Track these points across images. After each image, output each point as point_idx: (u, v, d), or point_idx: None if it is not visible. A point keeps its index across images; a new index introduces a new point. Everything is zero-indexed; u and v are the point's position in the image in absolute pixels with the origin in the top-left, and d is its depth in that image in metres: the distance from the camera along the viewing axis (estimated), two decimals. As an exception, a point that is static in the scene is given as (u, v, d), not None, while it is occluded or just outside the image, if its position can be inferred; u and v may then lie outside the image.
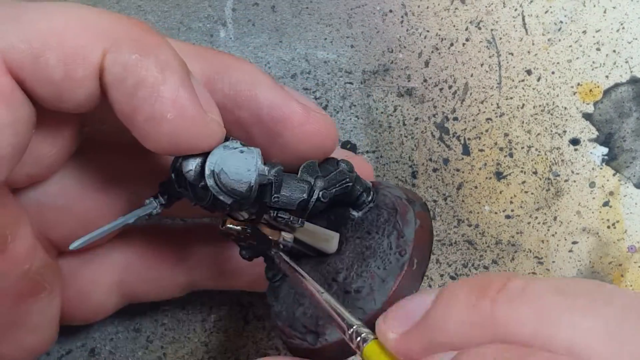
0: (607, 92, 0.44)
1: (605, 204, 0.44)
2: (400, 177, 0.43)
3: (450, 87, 0.44)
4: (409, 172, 0.43)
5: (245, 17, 0.43)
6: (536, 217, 0.43)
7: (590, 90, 0.44)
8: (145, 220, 0.32)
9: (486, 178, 0.43)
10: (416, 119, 0.43)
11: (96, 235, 0.31)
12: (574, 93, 0.44)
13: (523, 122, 0.44)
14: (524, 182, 0.43)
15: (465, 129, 0.43)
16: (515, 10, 0.44)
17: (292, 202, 0.31)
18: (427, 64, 0.44)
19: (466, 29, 0.44)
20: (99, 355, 0.42)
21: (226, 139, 0.30)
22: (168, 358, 0.42)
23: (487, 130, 0.44)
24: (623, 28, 0.44)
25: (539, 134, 0.44)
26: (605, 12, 0.44)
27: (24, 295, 0.32)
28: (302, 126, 0.32)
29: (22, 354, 0.34)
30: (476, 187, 0.43)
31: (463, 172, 0.43)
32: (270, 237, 0.32)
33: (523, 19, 0.44)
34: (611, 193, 0.44)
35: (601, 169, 0.44)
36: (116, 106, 0.29)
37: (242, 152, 0.30)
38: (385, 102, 0.43)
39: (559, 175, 0.44)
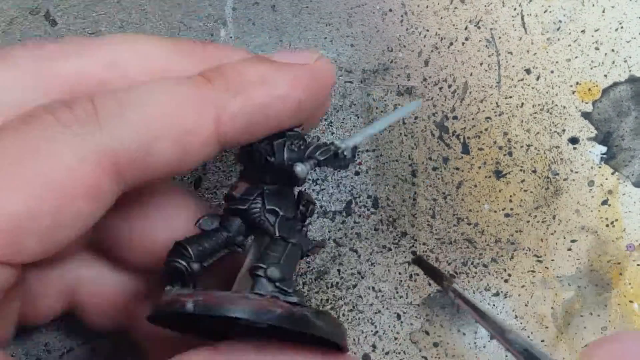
0: (605, 91, 0.44)
1: (604, 202, 0.44)
2: (400, 176, 0.43)
3: (449, 86, 0.44)
4: (409, 170, 0.43)
5: (245, 17, 0.43)
6: (535, 216, 0.44)
7: (589, 89, 0.44)
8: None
9: (485, 177, 0.44)
10: (416, 117, 0.43)
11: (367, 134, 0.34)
12: (573, 92, 0.44)
13: (522, 121, 0.44)
14: (523, 180, 0.44)
15: (465, 127, 0.44)
16: (515, 9, 0.44)
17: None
18: (426, 63, 0.44)
19: (465, 28, 0.44)
20: (100, 353, 0.42)
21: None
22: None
23: (486, 129, 0.44)
24: (622, 27, 0.44)
25: (538, 133, 0.44)
26: (604, 11, 0.44)
27: None
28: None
29: None
30: (476, 186, 0.43)
31: (462, 171, 0.43)
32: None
33: (522, 19, 0.44)
34: (610, 192, 0.44)
35: (600, 167, 0.44)
36: (257, 136, 0.31)
37: None
38: (385, 101, 0.43)
39: (558, 174, 0.44)
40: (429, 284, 0.43)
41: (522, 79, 0.44)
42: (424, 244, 0.43)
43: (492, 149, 0.44)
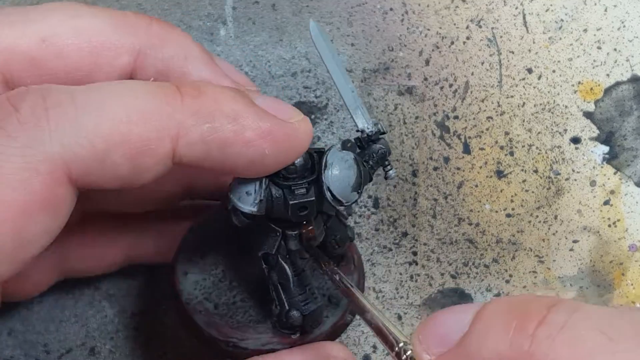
0: (608, 91, 0.44)
1: (606, 202, 0.44)
2: (401, 176, 0.43)
3: (450, 85, 0.43)
4: (410, 170, 0.43)
5: (245, 16, 0.43)
6: (537, 216, 0.43)
7: (591, 89, 0.44)
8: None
9: (487, 176, 0.43)
10: (417, 117, 0.43)
11: None
12: (575, 91, 0.44)
13: (524, 121, 0.44)
14: (524, 180, 0.43)
15: (466, 127, 0.43)
16: (516, 8, 0.44)
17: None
18: (427, 62, 0.43)
19: (467, 28, 0.44)
20: (99, 354, 0.41)
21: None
22: (168, 356, 0.42)
23: (487, 129, 0.43)
24: (624, 26, 0.44)
25: (539, 133, 0.44)
26: (606, 10, 0.44)
27: None
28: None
29: None
30: (477, 186, 0.43)
31: (464, 171, 0.43)
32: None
33: (524, 17, 0.44)
34: (612, 192, 0.44)
35: (602, 167, 0.44)
36: (207, 171, 0.30)
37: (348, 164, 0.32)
38: (385, 100, 0.43)
39: (559, 174, 0.44)
40: (430, 285, 0.43)
41: (523, 79, 0.44)
42: (424, 244, 0.43)
43: (493, 148, 0.43)
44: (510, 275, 0.43)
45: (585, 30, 0.44)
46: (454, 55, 0.43)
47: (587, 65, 0.44)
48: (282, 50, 0.43)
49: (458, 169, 0.43)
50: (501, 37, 0.44)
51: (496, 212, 0.43)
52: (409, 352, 0.27)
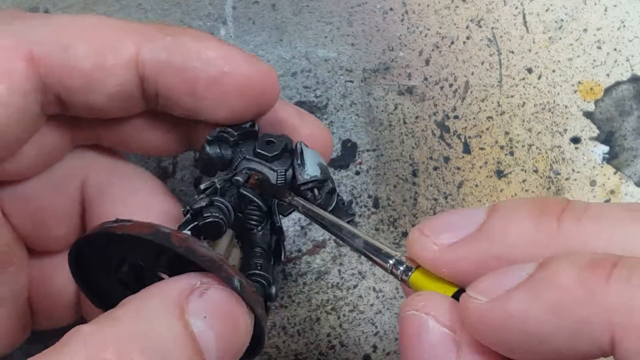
0: (608, 91, 0.44)
1: (606, 202, 0.44)
2: (401, 176, 0.43)
3: (450, 85, 0.43)
4: (410, 170, 0.43)
5: (245, 15, 0.43)
6: (537, 216, 0.43)
7: (591, 89, 0.44)
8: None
9: (487, 176, 0.43)
10: (417, 117, 0.43)
11: None
12: (575, 91, 0.44)
13: (524, 121, 0.44)
14: (524, 180, 0.43)
15: (466, 127, 0.43)
16: (516, 8, 0.44)
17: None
18: (427, 62, 0.44)
19: (467, 27, 0.44)
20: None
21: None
22: None
23: (487, 129, 0.43)
24: (624, 26, 0.44)
25: (539, 133, 0.44)
26: (606, 10, 0.44)
27: None
28: (243, 75, 0.32)
29: None
30: (477, 186, 0.43)
31: (464, 171, 0.43)
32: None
33: (524, 17, 0.44)
34: (612, 192, 0.44)
35: (602, 167, 0.44)
36: (172, 92, 0.31)
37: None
38: (385, 100, 0.43)
39: (559, 174, 0.44)
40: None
41: (523, 78, 0.44)
42: (425, 244, 0.43)
43: (493, 148, 0.43)
44: (511, 275, 0.43)
45: (585, 30, 0.44)
46: (454, 55, 0.43)
47: (587, 65, 0.44)
48: (282, 50, 0.43)
49: (458, 168, 0.43)
50: (501, 37, 0.44)
51: (496, 212, 0.43)
52: (406, 264, 0.26)
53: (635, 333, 0.20)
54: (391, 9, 0.43)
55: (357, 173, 0.43)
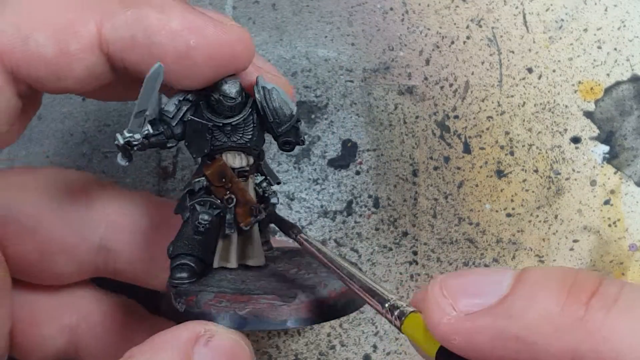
0: (608, 90, 0.44)
1: (606, 202, 0.44)
2: (401, 175, 0.43)
3: (451, 85, 0.43)
4: (410, 170, 0.43)
5: (245, 15, 0.43)
6: (537, 216, 0.43)
7: (592, 89, 0.44)
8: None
9: (487, 176, 0.43)
10: (417, 117, 0.43)
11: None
12: (575, 91, 0.44)
13: (524, 120, 0.44)
14: (524, 180, 0.43)
15: (466, 127, 0.43)
16: (516, 8, 0.44)
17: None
18: (427, 62, 0.43)
19: (467, 27, 0.44)
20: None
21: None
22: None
23: (488, 129, 0.43)
24: (624, 26, 0.44)
25: (539, 132, 0.44)
26: (606, 10, 0.44)
27: None
28: (214, 38, 0.30)
29: None
30: (477, 186, 0.43)
31: (464, 170, 0.43)
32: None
33: (524, 17, 0.44)
34: (612, 191, 0.44)
35: (602, 167, 0.44)
36: (139, 67, 0.29)
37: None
38: (386, 100, 0.43)
39: (559, 174, 0.44)
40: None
41: (523, 78, 0.44)
42: (425, 243, 0.43)
43: (493, 148, 0.43)
44: (511, 275, 0.43)
45: (585, 30, 0.44)
46: (454, 55, 0.43)
47: (588, 65, 0.44)
48: (282, 49, 0.43)
49: (458, 168, 0.43)
50: (501, 36, 0.44)
51: (496, 211, 0.43)
52: (401, 308, 0.25)
53: None
54: (391, 9, 0.43)
55: (358, 173, 0.43)
